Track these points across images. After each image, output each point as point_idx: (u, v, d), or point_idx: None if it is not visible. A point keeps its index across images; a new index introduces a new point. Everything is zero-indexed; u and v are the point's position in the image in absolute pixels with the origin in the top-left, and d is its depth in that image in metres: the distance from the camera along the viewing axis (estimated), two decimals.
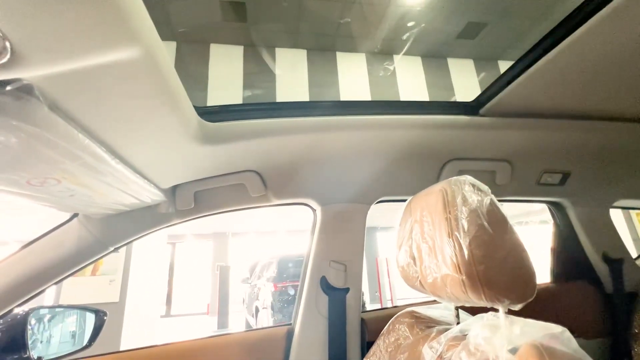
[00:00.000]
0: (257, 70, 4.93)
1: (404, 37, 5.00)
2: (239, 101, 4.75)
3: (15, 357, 0.81)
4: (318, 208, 1.06)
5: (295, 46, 5.11)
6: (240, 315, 8.05)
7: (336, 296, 0.99)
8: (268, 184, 0.97)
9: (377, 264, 9.83)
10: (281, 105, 0.86)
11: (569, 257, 1.24)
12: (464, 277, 0.49)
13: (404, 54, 5.35)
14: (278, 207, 1.10)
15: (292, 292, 5.15)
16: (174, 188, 0.92)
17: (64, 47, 0.34)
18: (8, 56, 0.31)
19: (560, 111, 0.86)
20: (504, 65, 5.66)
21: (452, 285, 0.51)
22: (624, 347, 1.06)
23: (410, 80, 5.44)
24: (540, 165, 1.05)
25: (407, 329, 0.68)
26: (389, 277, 9.55)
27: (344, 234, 1.04)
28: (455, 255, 0.49)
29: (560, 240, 1.28)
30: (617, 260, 1.15)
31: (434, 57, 5.58)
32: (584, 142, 0.96)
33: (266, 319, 5.41)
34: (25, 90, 0.37)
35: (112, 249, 0.91)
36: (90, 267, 4.08)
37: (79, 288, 3.95)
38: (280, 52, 5.14)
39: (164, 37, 0.44)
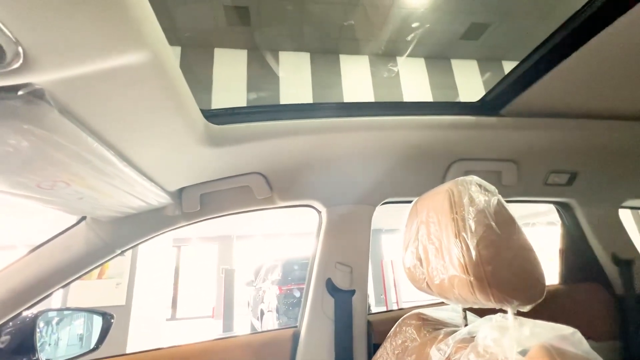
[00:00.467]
0: (261, 73, 4.97)
1: (407, 38, 5.01)
2: (243, 104, 4.78)
3: (25, 359, 0.81)
4: (323, 210, 1.06)
5: (299, 49, 5.14)
6: (246, 318, 8.04)
7: (342, 298, 0.98)
8: (273, 186, 0.98)
9: (382, 266, 9.78)
10: (286, 108, 0.86)
11: (578, 259, 1.22)
12: (472, 278, 0.48)
13: (408, 55, 5.35)
14: (282, 210, 1.10)
15: (297, 294, 5.14)
16: (180, 190, 0.93)
17: (75, 52, 0.34)
18: (21, 61, 0.32)
19: (569, 111, 0.86)
20: (507, 66, 5.63)
21: (460, 286, 0.51)
22: (636, 350, 1.04)
23: (414, 81, 5.43)
24: (547, 165, 1.04)
25: (414, 331, 0.68)
26: (394, 280, 9.50)
27: (349, 236, 1.03)
28: (463, 256, 0.49)
29: (569, 241, 1.26)
30: (627, 261, 1.13)
31: (438, 58, 5.58)
32: (592, 142, 0.95)
33: (271, 322, 5.40)
34: (36, 95, 0.37)
35: (119, 251, 0.92)
36: (97, 271, 4.12)
37: (86, 291, 3.98)
38: (283, 55, 5.17)
39: (170, 42, 0.45)
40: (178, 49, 4.78)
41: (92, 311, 1.07)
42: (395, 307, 8.56)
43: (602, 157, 1.02)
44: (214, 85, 4.81)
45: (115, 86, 0.43)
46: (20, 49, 0.31)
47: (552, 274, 1.06)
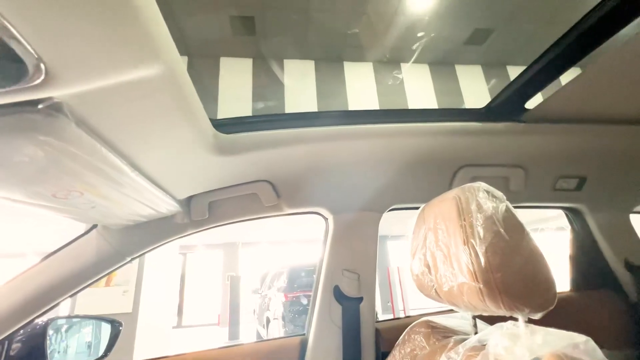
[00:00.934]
0: (266, 81, 5.03)
1: (411, 45, 5.03)
2: (249, 111, 4.83)
3: None
4: (330, 217, 1.06)
5: (304, 57, 5.19)
6: (252, 326, 7.99)
7: (350, 305, 0.98)
8: (280, 193, 0.98)
9: (388, 273, 9.68)
10: (293, 116, 0.87)
11: (589, 265, 1.20)
12: (481, 285, 0.48)
13: (412, 62, 5.38)
14: (288, 217, 1.11)
15: (304, 301, 5.10)
16: (189, 199, 0.94)
17: (93, 66, 0.36)
18: (42, 77, 0.33)
19: (577, 116, 0.85)
20: (512, 71, 5.61)
21: (469, 293, 0.51)
22: None
23: (419, 88, 5.44)
24: (555, 171, 1.03)
25: (423, 339, 0.67)
26: (401, 287, 9.38)
27: (356, 243, 1.03)
28: (472, 262, 0.49)
29: (579, 247, 1.24)
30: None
31: (442, 64, 5.59)
32: (601, 146, 0.95)
33: (277, 330, 5.36)
34: (55, 108, 0.39)
35: (129, 259, 0.93)
36: (105, 278, 4.13)
37: (94, 299, 4.00)
38: (288, 64, 5.23)
39: None
40: (185, 59, 4.87)
41: (100, 318, 1.08)
42: (402, 315, 8.44)
43: (612, 161, 1.01)
44: (220, 94, 4.88)
45: (129, 98, 0.44)
46: (42, 66, 0.32)
47: (561, 280, 1.04)
